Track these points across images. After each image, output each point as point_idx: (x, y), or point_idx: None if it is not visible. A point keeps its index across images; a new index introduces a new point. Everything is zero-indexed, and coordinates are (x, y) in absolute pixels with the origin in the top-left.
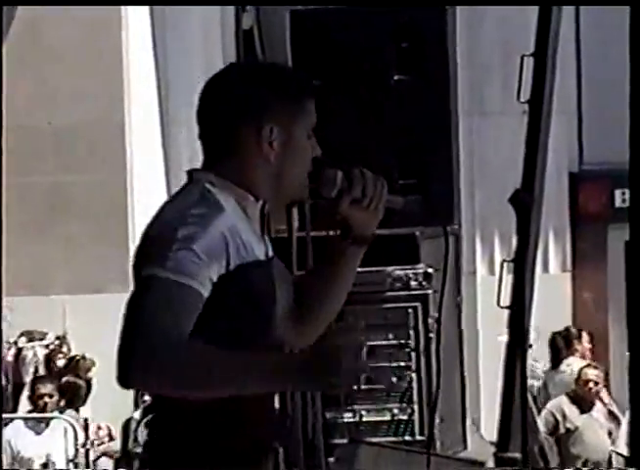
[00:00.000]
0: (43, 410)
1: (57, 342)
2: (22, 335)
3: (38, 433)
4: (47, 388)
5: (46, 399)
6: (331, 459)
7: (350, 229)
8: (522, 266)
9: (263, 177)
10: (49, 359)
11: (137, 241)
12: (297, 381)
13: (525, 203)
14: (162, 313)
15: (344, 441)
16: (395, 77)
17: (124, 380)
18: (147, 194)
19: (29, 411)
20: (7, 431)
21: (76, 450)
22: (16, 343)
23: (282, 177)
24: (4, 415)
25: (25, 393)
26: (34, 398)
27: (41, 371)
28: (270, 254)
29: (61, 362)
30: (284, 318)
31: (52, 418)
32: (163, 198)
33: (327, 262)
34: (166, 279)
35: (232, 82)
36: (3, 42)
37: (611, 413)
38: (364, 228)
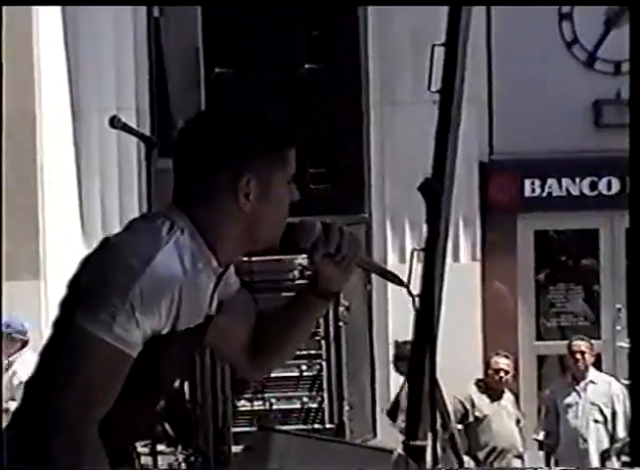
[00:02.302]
0: None
1: None
2: None
3: None
4: None
5: None
6: (240, 447)
7: (317, 282)
8: (432, 255)
9: (234, 232)
10: None
11: (47, 229)
12: None
13: (435, 192)
14: (100, 387)
15: (254, 428)
16: (306, 66)
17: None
18: (58, 184)
19: None
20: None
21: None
22: None
23: (255, 229)
24: None
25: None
26: None
27: None
28: (213, 312)
29: None
30: (239, 352)
31: None
32: (74, 189)
33: (289, 310)
34: (113, 347)
35: (212, 130)
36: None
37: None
38: (331, 284)
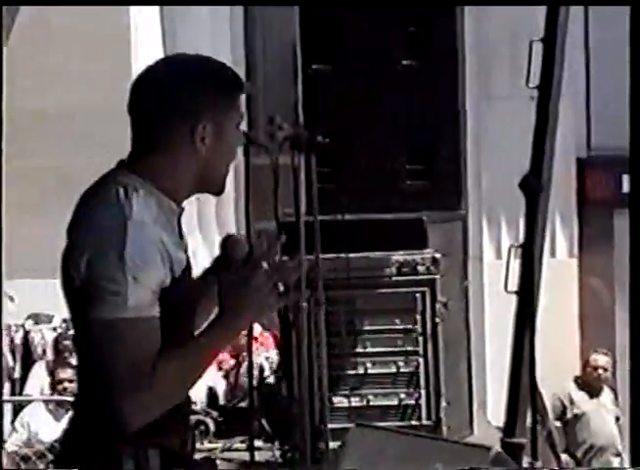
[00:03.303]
0: (62, 395)
1: (64, 325)
2: (28, 318)
3: (57, 419)
4: (67, 372)
5: (65, 384)
6: (337, 443)
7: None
8: (530, 251)
9: (190, 174)
10: (57, 343)
11: None
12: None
13: (535, 188)
14: (141, 353)
15: (351, 425)
16: (403, 62)
17: (125, 426)
18: None
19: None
20: (25, 412)
21: None
22: (23, 326)
23: (209, 170)
24: (19, 398)
25: (36, 373)
26: (54, 382)
27: (49, 354)
28: (189, 258)
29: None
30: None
31: (63, 401)
32: None
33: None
34: (136, 319)
35: (165, 79)
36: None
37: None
38: (234, 305)
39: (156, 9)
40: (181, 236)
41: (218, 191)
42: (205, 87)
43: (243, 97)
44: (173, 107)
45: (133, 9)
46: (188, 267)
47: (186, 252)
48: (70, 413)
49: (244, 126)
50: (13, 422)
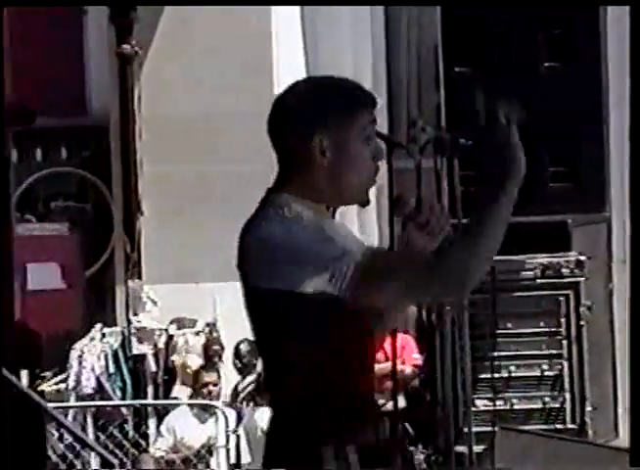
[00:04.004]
0: (207, 399)
1: (207, 329)
2: (172, 322)
3: (203, 422)
4: (211, 376)
5: (210, 387)
6: (481, 447)
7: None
8: None
9: (325, 185)
10: (206, 348)
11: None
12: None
13: None
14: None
15: (495, 428)
16: (546, 64)
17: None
18: None
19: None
20: (171, 417)
21: (227, 437)
22: (166, 330)
23: (337, 182)
24: (162, 401)
25: (180, 379)
26: (198, 387)
27: (194, 358)
28: None
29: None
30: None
31: (207, 406)
32: None
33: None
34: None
35: (288, 102)
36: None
37: None
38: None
39: (296, 10)
40: None
41: (361, 202)
42: (318, 104)
43: (367, 111)
44: (291, 124)
45: (274, 10)
46: None
47: None
48: (270, 415)
49: (385, 129)
50: (158, 427)
